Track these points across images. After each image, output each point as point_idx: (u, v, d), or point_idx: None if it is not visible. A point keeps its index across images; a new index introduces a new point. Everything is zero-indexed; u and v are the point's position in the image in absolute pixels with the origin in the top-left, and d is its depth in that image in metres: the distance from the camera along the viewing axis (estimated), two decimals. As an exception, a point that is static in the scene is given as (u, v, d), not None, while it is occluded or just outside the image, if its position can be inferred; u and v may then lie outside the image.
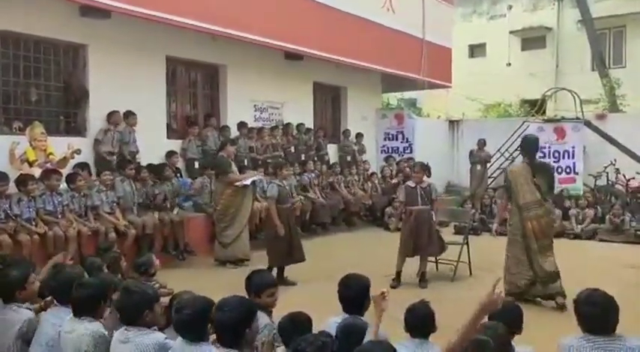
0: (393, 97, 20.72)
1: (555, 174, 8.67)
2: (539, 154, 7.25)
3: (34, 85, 8.38)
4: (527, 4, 22.93)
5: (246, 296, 3.36)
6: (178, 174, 9.50)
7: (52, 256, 6.47)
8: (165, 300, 3.58)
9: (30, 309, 3.71)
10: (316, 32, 11.16)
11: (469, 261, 7.85)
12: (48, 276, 4.07)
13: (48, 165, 7.44)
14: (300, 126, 12.26)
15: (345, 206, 11.88)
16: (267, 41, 10.29)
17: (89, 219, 7.48)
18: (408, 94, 21.22)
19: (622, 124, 14.33)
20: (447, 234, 9.45)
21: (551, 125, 13.83)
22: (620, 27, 21.06)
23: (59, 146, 7.79)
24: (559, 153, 13.52)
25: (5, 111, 8.07)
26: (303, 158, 11.88)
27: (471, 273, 7.78)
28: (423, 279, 7.33)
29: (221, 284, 5.72)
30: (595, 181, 13.22)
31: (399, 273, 7.28)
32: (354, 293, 3.59)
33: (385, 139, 14.80)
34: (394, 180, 12.81)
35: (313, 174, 11.54)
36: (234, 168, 8.49)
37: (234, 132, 10.63)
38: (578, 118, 13.94)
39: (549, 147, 13.44)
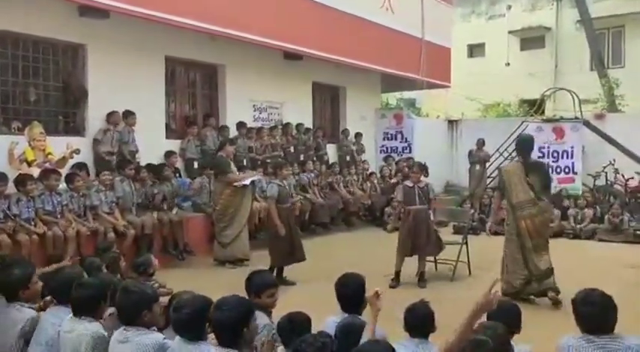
0: (392, 97, 20.73)
1: (553, 173, 8.68)
2: (538, 154, 7.27)
3: (32, 84, 8.36)
4: (526, 4, 22.95)
5: (246, 297, 3.36)
6: (177, 174, 9.49)
7: (52, 256, 6.53)
8: (164, 300, 3.57)
9: (33, 309, 3.71)
10: (315, 32, 11.16)
11: (468, 261, 7.85)
12: (47, 276, 4.07)
13: (47, 165, 7.43)
14: (299, 126, 12.25)
15: (344, 206, 11.87)
16: (266, 41, 10.29)
17: (88, 219, 7.47)
18: (407, 94, 21.21)
19: (621, 124, 14.34)
20: (446, 233, 9.44)
21: (550, 125, 13.82)
22: (618, 27, 21.08)
23: (58, 146, 7.78)
24: (558, 153, 13.51)
25: (4, 111, 8.06)
26: (302, 158, 11.86)
27: (470, 273, 7.79)
28: (422, 279, 7.34)
29: (220, 284, 5.70)
30: (594, 181, 13.21)
31: (398, 273, 7.28)
32: (352, 292, 3.60)
33: (384, 139, 14.78)
34: (393, 180, 12.77)
35: (312, 174, 11.53)
36: (233, 168, 8.48)
37: (233, 132, 10.61)
38: (577, 118, 13.95)
39: (548, 147, 13.43)
